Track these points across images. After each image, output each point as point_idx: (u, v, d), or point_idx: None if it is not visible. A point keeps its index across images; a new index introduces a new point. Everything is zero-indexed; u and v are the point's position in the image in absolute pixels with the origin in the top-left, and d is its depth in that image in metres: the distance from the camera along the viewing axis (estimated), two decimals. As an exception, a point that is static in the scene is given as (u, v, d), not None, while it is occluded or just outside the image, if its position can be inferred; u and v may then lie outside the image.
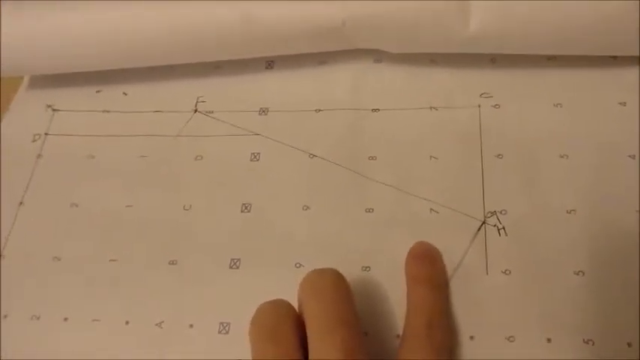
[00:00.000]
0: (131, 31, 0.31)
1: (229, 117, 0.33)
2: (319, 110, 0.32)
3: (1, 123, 0.35)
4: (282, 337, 0.22)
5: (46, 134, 0.34)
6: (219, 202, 0.30)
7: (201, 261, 0.29)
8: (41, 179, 0.33)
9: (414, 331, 0.24)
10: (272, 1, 0.30)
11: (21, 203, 0.32)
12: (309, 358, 0.22)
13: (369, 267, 0.28)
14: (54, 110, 0.35)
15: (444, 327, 0.25)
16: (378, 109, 0.32)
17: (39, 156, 0.33)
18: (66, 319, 0.28)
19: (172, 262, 0.29)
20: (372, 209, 0.29)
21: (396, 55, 0.32)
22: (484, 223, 0.28)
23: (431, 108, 0.31)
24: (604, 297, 0.26)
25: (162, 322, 0.28)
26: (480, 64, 0.32)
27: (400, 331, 0.26)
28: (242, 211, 0.30)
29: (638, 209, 0.27)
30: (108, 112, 0.34)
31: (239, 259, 0.29)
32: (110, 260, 0.30)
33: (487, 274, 0.27)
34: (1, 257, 0.30)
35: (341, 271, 0.24)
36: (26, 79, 0.36)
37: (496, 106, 0.31)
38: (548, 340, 0.25)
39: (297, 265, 0.28)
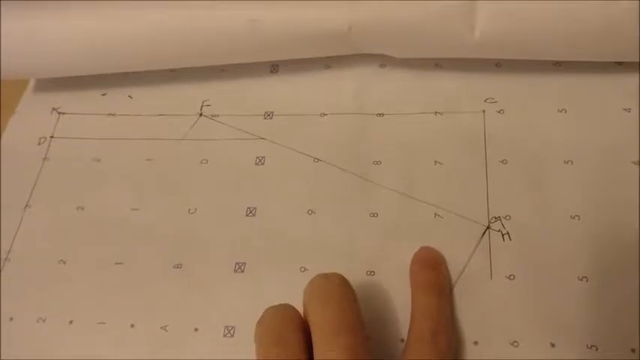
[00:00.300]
0: (137, 34, 0.32)
1: (234, 121, 0.33)
2: (324, 114, 0.32)
3: (7, 126, 0.35)
4: (287, 341, 0.23)
5: (51, 137, 0.34)
6: (224, 205, 0.30)
7: (206, 265, 0.29)
8: (47, 182, 0.33)
9: (418, 336, 0.25)
10: (278, 7, 0.30)
11: (27, 206, 0.32)
12: (315, 362, 0.22)
13: (373, 272, 0.28)
14: (59, 113, 0.35)
15: (448, 332, 0.25)
16: (383, 114, 0.32)
17: (45, 159, 0.34)
18: (71, 321, 0.29)
19: (177, 266, 0.29)
20: (377, 214, 0.29)
21: (401, 59, 0.32)
22: (488, 228, 0.28)
23: (436, 113, 0.31)
24: (608, 302, 0.26)
25: (168, 325, 0.28)
26: (485, 69, 0.32)
27: (404, 336, 0.26)
28: (247, 215, 0.30)
29: (642, 215, 0.27)
30: (113, 115, 0.34)
31: (244, 263, 0.29)
32: (116, 263, 0.30)
33: (491, 279, 0.27)
34: (7, 260, 0.31)
35: (345, 276, 0.24)
36: (32, 83, 0.37)
37: (501, 111, 0.31)
38: (552, 345, 0.25)
39: (302, 270, 0.28)
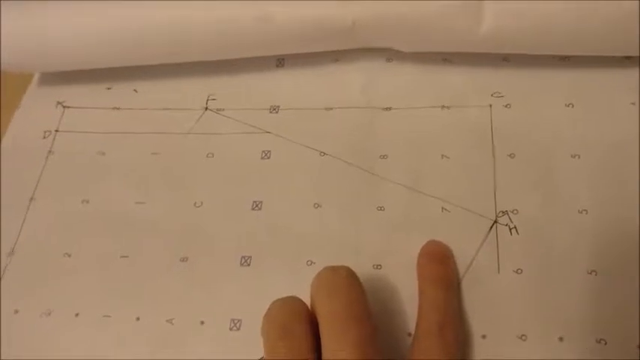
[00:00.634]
0: (142, 28, 0.31)
1: (240, 115, 0.33)
2: (330, 109, 0.32)
3: (12, 120, 0.35)
4: (294, 334, 0.22)
5: (56, 131, 0.34)
6: (230, 199, 0.30)
7: (212, 258, 0.29)
8: (52, 176, 0.33)
9: (426, 329, 0.24)
10: (284, 1, 0.30)
11: (32, 199, 0.32)
12: (322, 355, 0.22)
13: (380, 265, 0.28)
14: (64, 107, 0.35)
15: (456, 326, 0.25)
16: (390, 108, 0.32)
17: (50, 152, 0.33)
18: (77, 314, 0.28)
19: (183, 259, 0.29)
20: (384, 208, 0.29)
21: (408, 54, 0.32)
22: (496, 222, 0.28)
23: (442, 107, 0.31)
24: (616, 297, 0.26)
25: (173, 318, 0.28)
26: (492, 64, 0.32)
27: (411, 330, 0.26)
28: (253, 209, 0.30)
29: (650, 209, 0.27)
30: (118, 109, 0.34)
31: (250, 257, 0.29)
32: (121, 257, 0.30)
33: (499, 273, 0.27)
34: (12, 253, 0.30)
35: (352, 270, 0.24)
36: (36, 76, 0.36)
37: (508, 105, 0.31)
38: (560, 339, 0.25)
39: (309, 263, 0.28)
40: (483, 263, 0.27)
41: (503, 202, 0.28)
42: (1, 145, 0.34)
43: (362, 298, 0.23)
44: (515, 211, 0.28)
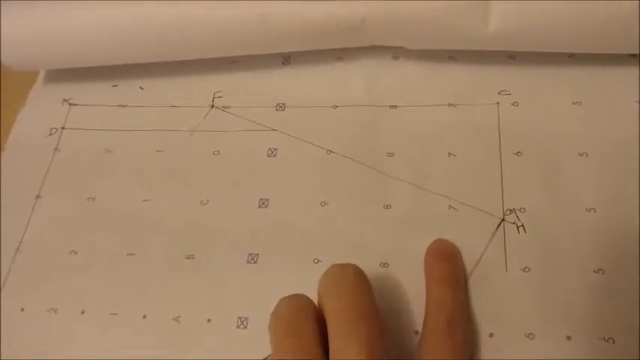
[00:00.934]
0: (148, 25, 0.31)
1: (246, 112, 0.33)
2: (336, 106, 0.32)
3: (18, 117, 0.35)
4: (302, 331, 0.22)
5: (62, 128, 0.34)
6: (236, 197, 0.30)
7: (218, 256, 0.29)
8: (58, 173, 0.33)
9: (433, 328, 0.24)
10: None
11: (38, 197, 0.32)
12: (330, 352, 0.22)
13: (387, 264, 0.28)
14: (70, 104, 0.35)
15: (463, 324, 0.25)
16: (396, 106, 0.32)
17: (56, 150, 0.33)
18: (83, 312, 0.28)
19: (189, 257, 0.29)
20: (390, 206, 0.29)
21: (415, 51, 0.32)
22: (503, 220, 0.28)
23: (449, 105, 0.31)
24: (624, 295, 0.25)
25: (180, 316, 0.28)
26: (499, 62, 0.32)
27: (419, 328, 0.26)
28: (259, 207, 0.30)
29: (658, 208, 0.27)
30: (124, 106, 0.34)
31: (257, 255, 0.28)
32: (127, 254, 0.30)
33: (506, 271, 0.27)
34: (19, 250, 0.30)
35: (359, 268, 0.24)
36: (42, 74, 0.36)
37: (515, 103, 0.31)
38: (568, 338, 0.25)
39: (316, 261, 0.28)
40: (491, 261, 0.27)
41: (511, 200, 0.28)
42: (7, 143, 0.34)
43: (370, 296, 0.23)
44: (522, 210, 0.28)
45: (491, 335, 0.25)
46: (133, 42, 0.32)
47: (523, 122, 0.30)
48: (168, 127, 0.33)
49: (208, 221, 0.30)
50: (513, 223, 0.28)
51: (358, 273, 0.24)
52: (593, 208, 0.27)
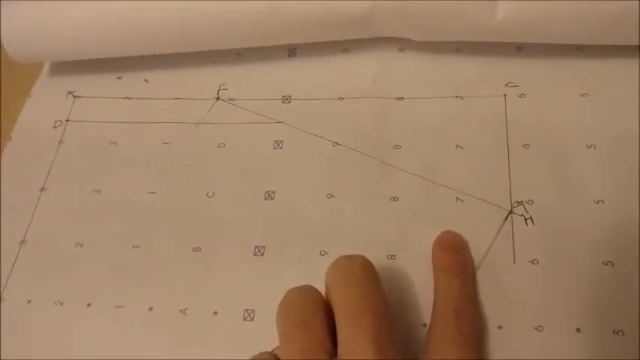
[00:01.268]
0: (153, 17, 0.31)
1: (252, 105, 0.33)
2: (342, 99, 0.32)
3: (23, 109, 0.35)
4: (309, 322, 0.22)
5: (67, 120, 0.34)
6: (242, 189, 0.30)
7: (225, 248, 0.29)
8: (63, 165, 0.32)
9: (442, 319, 0.24)
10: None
11: (43, 189, 0.32)
12: (338, 344, 0.22)
13: (394, 256, 0.27)
14: (75, 97, 0.35)
15: (472, 316, 0.25)
16: (403, 98, 0.31)
17: (60, 142, 0.33)
18: (89, 304, 0.28)
19: (196, 249, 0.29)
20: (397, 198, 0.29)
21: (421, 43, 0.32)
22: (511, 212, 0.28)
23: (456, 97, 0.31)
24: (633, 288, 0.25)
25: (187, 308, 0.28)
26: (506, 54, 0.32)
27: (427, 320, 0.25)
28: (266, 199, 0.30)
29: (667, 200, 0.27)
30: (129, 98, 0.34)
31: (263, 247, 0.28)
32: (133, 247, 0.29)
33: (514, 263, 0.26)
34: (24, 242, 0.30)
35: (366, 260, 0.24)
36: (47, 66, 0.36)
37: (522, 95, 0.31)
38: (578, 330, 0.25)
39: (322, 253, 0.28)
40: (499, 254, 0.27)
41: (519, 192, 0.28)
42: (12, 135, 0.34)
43: (378, 287, 0.23)
44: (530, 202, 0.28)
45: (499, 328, 0.25)
46: (138, 34, 0.32)
47: (530, 114, 0.30)
48: (173, 120, 0.33)
49: (214, 213, 0.30)
50: (521, 215, 0.27)
51: (366, 264, 0.24)
52: (601, 200, 0.27)
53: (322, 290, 0.24)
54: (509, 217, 0.28)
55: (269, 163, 0.31)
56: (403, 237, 0.28)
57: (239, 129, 0.32)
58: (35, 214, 0.31)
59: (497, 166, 0.29)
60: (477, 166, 0.29)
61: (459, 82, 0.31)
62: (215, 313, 0.27)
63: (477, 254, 0.27)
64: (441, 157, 0.29)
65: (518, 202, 0.28)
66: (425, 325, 0.26)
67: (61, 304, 0.28)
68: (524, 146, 0.29)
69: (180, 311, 0.27)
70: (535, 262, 0.26)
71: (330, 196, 0.29)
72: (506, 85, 0.31)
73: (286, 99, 0.33)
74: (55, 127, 0.34)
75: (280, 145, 0.31)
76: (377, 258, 0.25)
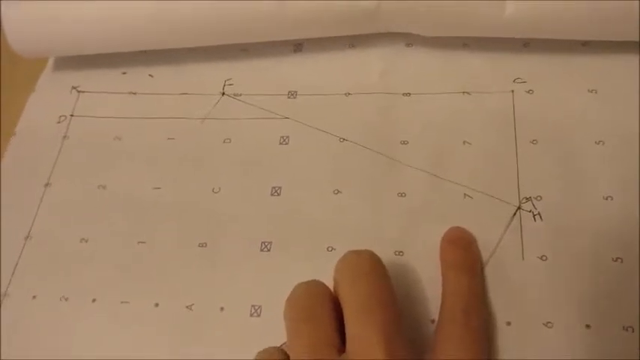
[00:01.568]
0: (157, 12, 0.31)
1: (257, 100, 0.32)
2: (349, 94, 0.32)
3: (27, 104, 0.35)
4: (317, 317, 0.22)
5: (71, 116, 0.34)
6: (248, 185, 0.30)
7: (231, 244, 0.29)
8: (67, 160, 0.32)
9: (450, 316, 0.24)
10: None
11: (47, 184, 0.32)
12: (347, 339, 0.22)
13: (402, 252, 0.27)
14: (79, 92, 0.35)
15: (480, 312, 0.25)
16: (410, 94, 0.31)
17: (65, 137, 0.33)
18: (94, 300, 0.28)
19: (202, 245, 0.29)
20: (405, 194, 0.29)
21: (428, 38, 0.32)
22: (519, 208, 0.27)
23: (464, 93, 0.31)
24: (643, 284, 0.25)
25: (193, 304, 0.27)
26: (514, 49, 0.31)
27: (434, 316, 0.25)
28: (272, 195, 0.30)
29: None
30: (134, 94, 0.34)
31: (270, 242, 0.28)
32: (138, 242, 0.29)
33: (523, 259, 0.26)
34: (29, 238, 0.30)
35: (373, 256, 0.24)
36: (51, 61, 0.36)
37: (530, 91, 0.30)
38: (587, 327, 0.25)
39: (329, 249, 0.28)
40: (507, 250, 0.27)
41: (527, 188, 0.28)
42: (16, 130, 0.34)
43: (386, 282, 0.23)
44: (538, 198, 0.28)
45: (508, 324, 0.25)
46: (143, 29, 0.32)
47: (538, 110, 0.30)
48: (178, 115, 0.33)
49: (220, 209, 0.30)
50: (530, 211, 0.27)
51: (374, 259, 0.23)
52: (610, 196, 0.27)
53: (330, 285, 0.24)
54: (518, 213, 0.27)
55: (275, 159, 0.30)
56: (411, 233, 0.28)
57: (245, 124, 0.32)
58: (39, 210, 0.31)
59: (505, 162, 0.29)
60: (484, 162, 0.29)
61: (466, 78, 0.31)
62: (221, 309, 0.27)
63: (485, 250, 0.27)
64: (448, 153, 0.29)
65: (527, 198, 0.28)
66: (433, 321, 0.25)
67: (66, 299, 0.28)
68: (532, 142, 0.29)
69: (187, 307, 0.27)
70: (544, 258, 0.26)
71: (336, 191, 0.29)
72: (513, 81, 0.31)
73: (292, 94, 0.32)
74: (59, 122, 0.34)
75: (286, 140, 0.31)
76: (384, 254, 0.25)
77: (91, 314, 0.28)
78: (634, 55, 0.31)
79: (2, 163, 0.33)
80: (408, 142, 0.30)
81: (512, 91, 0.31)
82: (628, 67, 0.30)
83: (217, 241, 0.29)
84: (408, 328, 0.25)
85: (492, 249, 0.27)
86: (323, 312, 0.22)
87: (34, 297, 0.29)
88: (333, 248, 0.28)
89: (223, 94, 0.33)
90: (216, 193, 0.30)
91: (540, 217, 0.27)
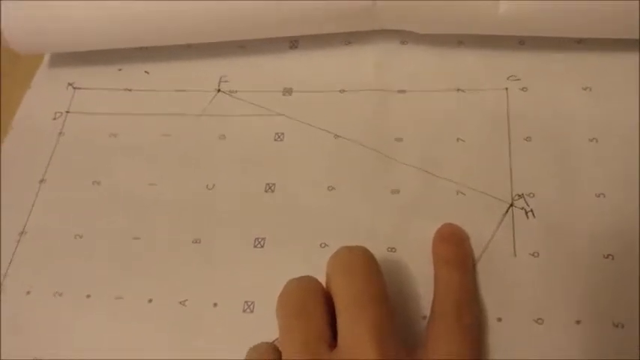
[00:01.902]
0: (153, 8, 0.31)
1: (253, 97, 0.33)
2: (344, 91, 0.32)
3: (23, 101, 0.35)
4: (309, 313, 0.22)
5: (67, 112, 0.34)
6: (242, 181, 0.30)
7: (225, 240, 0.29)
8: (63, 157, 0.32)
9: (442, 312, 0.24)
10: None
11: (42, 181, 0.32)
12: (339, 334, 0.22)
13: (394, 248, 0.27)
14: (75, 88, 0.35)
15: (472, 307, 0.25)
16: (404, 91, 0.31)
17: (60, 134, 0.33)
18: (88, 296, 0.28)
19: (196, 241, 0.29)
20: (398, 190, 0.29)
21: (423, 36, 0.32)
22: (512, 205, 0.28)
23: (458, 90, 0.31)
24: (634, 281, 0.25)
25: (186, 300, 0.27)
26: (508, 47, 0.31)
27: (426, 313, 0.25)
28: (266, 191, 0.30)
29: (668, 194, 0.27)
30: (130, 90, 0.34)
31: (264, 239, 0.28)
32: (133, 238, 0.29)
33: (515, 256, 0.26)
34: (24, 233, 0.30)
35: (366, 252, 0.24)
36: (47, 58, 0.36)
37: (524, 89, 0.30)
38: (578, 323, 0.25)
39: (323, 245, 0.28)
40: (499, 246, 0.27)
41: (520, 185, 0.28)
42: (12, 126, 0.34)
43: (379, 278, 0.23)
44: (531, 195, 0.28)
45: (499, 320, 0.25)
46: (139, 25, 0.32)
47: (532, 108, 0.30)
48: (174, 112, 0.33)
49: (215, 205, 0.30)
50: (522, 208, 0.27)
51: (367, 255, 0.24)
52: (602, 194, 0.27)
53: (322, 281, 0.24)
54: (510, 210, 0.27)
55: (270, 156, 0.31)
56: (403, 229, 0.28)
57: (240, 121, 0.32)
58: (35, 206, 0.31)
59: (498, 159, 0.29)
60: (478, 159, 0.29)
61: (461, 75, 0.31)
62: (215, 305, 0.27)
63: (477, 247, 0.27)
64: (442, 150, 0.29)
65: (519, 195, 0.28)
66: (424, 317, 0.26)
67: (61, 295, 0.28)
68: (525, 139, 0.29)
69: (180, 303, 0.27)
70: (535, 254, 0.26)
71: (330, 188, 0.29)
72: (508, 79, 0.31)
73: (287, 91, 0.33)
74: (55, 118, 0.34)
75: (281, 137, 0.31)
76: (377, 250, 0.25)
77: (85, 310, 0.28)
78: (628, 53, 0.31)
79: (-2, 159, 0.33)
80: (402, 139, 0.30)
81: (507, 88, 0.31)
82: (622, 65, 0.30)
83: (211, 238, 0.29)
84: (400, 324, 0.25)
85: (484, 245, 0.27)
86: (315, 308, 0.22)
87: (28, 292, 0.29)
88: (326, 244, 0.28)
89: (219, 90, 0.33)
90: (210, 189, 0.30)
91: (533, 214, 0.27)
